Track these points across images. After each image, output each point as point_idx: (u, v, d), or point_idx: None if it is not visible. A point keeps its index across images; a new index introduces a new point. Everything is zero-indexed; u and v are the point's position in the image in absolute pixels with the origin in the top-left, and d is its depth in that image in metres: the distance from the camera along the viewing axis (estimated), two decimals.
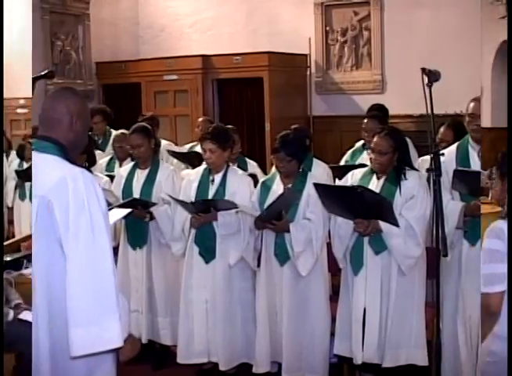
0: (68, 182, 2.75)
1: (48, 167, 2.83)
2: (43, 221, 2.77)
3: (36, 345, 2.80)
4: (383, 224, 4.27)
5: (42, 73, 3.74)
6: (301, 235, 4.55)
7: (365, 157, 5.60)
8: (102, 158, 6.40)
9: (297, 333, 4.69)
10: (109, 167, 6.14)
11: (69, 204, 2.73)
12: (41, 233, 2.79)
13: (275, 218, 4.57)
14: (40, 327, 2.79)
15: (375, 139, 4.42)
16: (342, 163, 6.25)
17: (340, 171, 5.47)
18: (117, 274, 2.80)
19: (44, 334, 2.79)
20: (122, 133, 6.08)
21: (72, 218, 2.72)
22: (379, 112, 6.75)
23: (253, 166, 5.85)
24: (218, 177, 4.88)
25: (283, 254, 4.66)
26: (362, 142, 6.21)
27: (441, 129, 5.42)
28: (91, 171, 4.23)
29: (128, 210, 4.14)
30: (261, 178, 5.19)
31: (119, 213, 4.14)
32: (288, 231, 4.58)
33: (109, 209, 3.88)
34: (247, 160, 5.91)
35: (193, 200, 4.85)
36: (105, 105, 8.21)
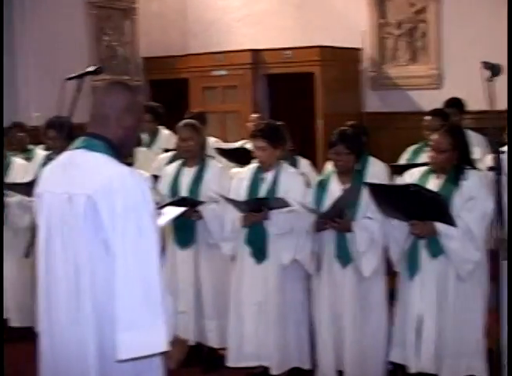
0: (115, 183, 2.71)
1: (95, 166, 2.78)
2: (88, 221, 2.73)
3: (84, 347, 2.77)
4: (440, 226, 4.11)
5: (90, 69, 3.65)
6: (365, 234, 4.42)
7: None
8: (146, 156, 6.31)
9: (359, 338, 4.56)
10: None
11: (116, 205, 2.68)
12: (86, 233, 2.74)
13: (337, 216, 4.44)
14: (87, 330, 2.76)
15: (434, 137, 4.31)
16: (402, 161, 6.11)
17: (400, 170, 5.31)
18: (164, 275, 2.77)
19: (91, 337, 2.76)
20: None
21: (119, 219, 2.68)
22: (455, 108, 6.55)
23: (304, 165, 5.73)
24: (269, 175, 4.80)
25: (345, 256, 4.52)
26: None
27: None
28: None
29: (182, 209, 4.11)
30: (313, 177, 5.09)
31: (172, 212, 4.08)
32: (350, 230, 4.44)
33: (159, 208, 3.81)
34: (298, 158, 5.78)
35: (244, 198, 4.77)
36: (152, 101, 8.14)
